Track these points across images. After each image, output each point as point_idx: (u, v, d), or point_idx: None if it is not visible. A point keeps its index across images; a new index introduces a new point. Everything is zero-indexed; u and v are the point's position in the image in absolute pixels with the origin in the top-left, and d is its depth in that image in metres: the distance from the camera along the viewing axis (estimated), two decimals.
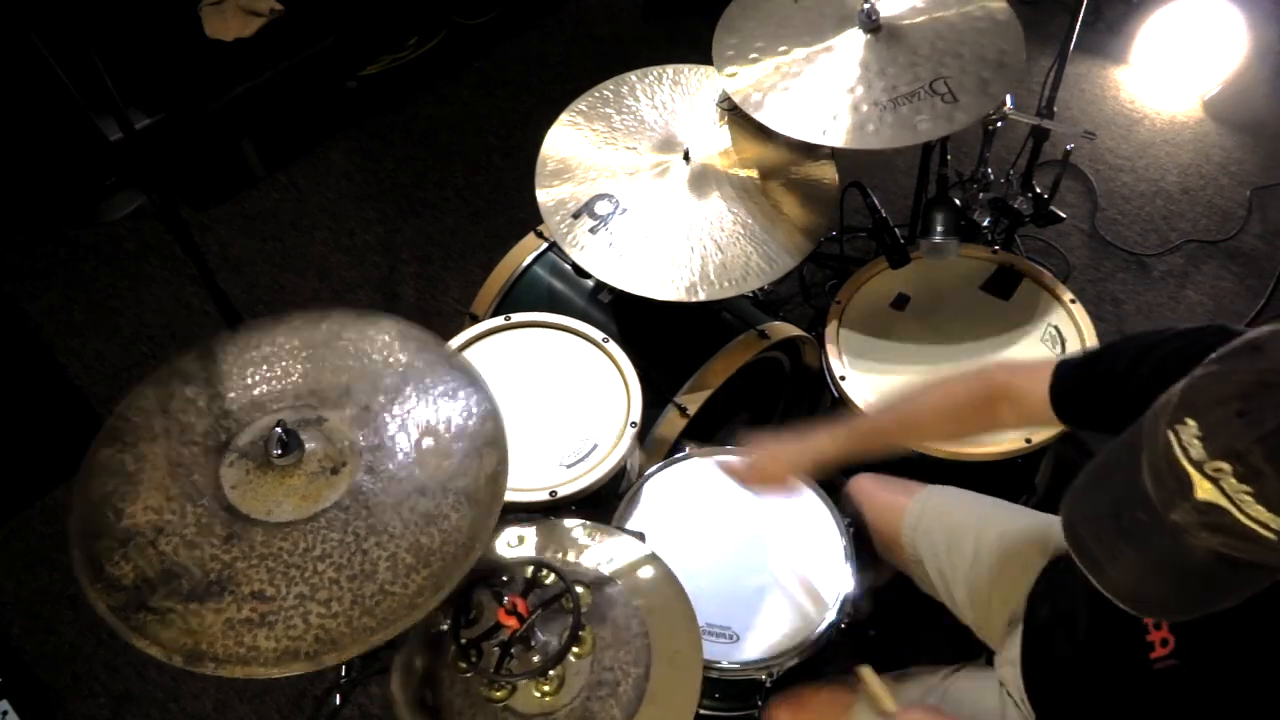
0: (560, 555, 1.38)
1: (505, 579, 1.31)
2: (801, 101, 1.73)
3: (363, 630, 1.05)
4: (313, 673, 2.01)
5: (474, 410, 1.24)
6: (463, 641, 1.24)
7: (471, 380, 1.28)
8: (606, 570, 1.36)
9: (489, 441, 1.22)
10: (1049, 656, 1.29)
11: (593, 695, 1.23)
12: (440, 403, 1.24)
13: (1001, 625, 1.43)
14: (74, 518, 1.11)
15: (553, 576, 1.30)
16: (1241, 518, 0.75)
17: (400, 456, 1.18)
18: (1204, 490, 0.76)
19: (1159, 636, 1.00)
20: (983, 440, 1.72)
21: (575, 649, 1.25)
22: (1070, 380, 1.16)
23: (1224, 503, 0.76)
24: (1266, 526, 0.75)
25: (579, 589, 1.29)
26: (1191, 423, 0.78)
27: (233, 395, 1.23)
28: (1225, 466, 0.75)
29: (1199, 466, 0.77)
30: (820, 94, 1.73)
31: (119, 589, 1.05)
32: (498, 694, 1.24)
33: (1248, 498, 0.75)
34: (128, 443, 1.17)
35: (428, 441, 1.20)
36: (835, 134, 1.68)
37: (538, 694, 1.23)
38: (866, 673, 1.32)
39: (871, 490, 1.63)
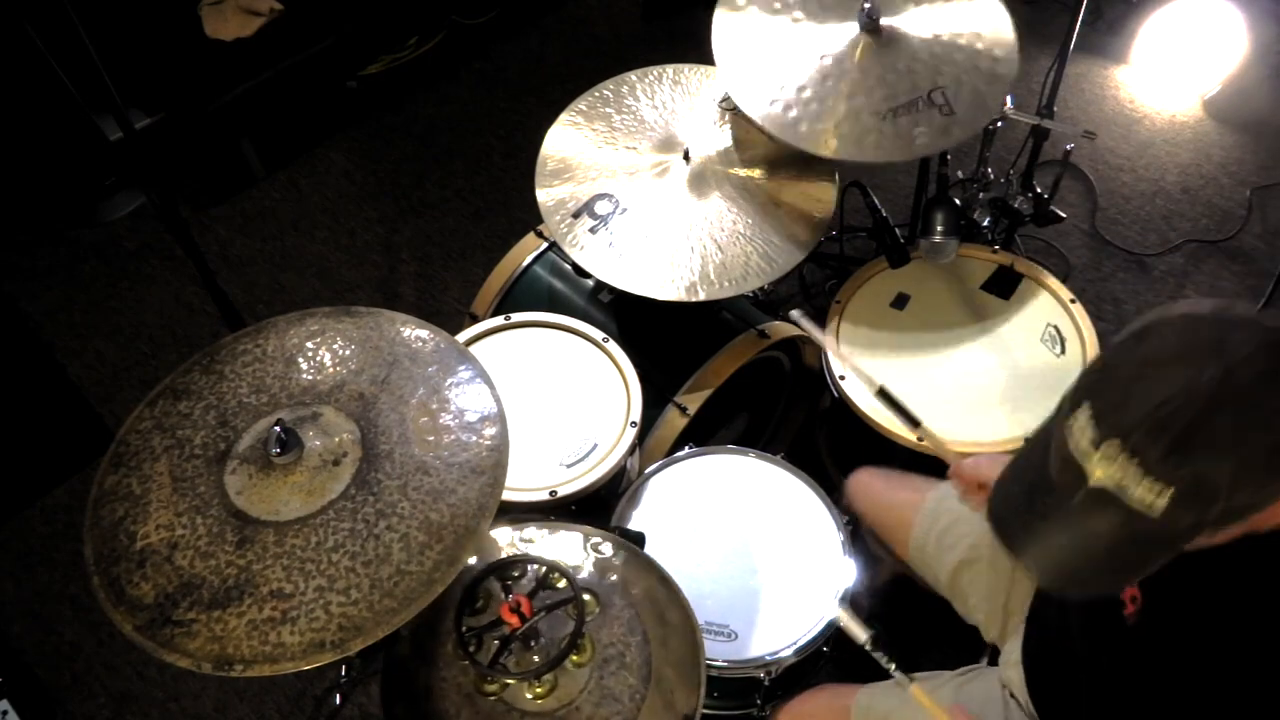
0: (569, 561, 1.38)
1: (517, 574, 1.31)
2: (800, 105, 1.73)
3: (385, 612, 1.07)
4: (312, 673, 2.03)
5: (465, 383, 1.26)
6: (464, 630, 1.24)
7: (459, 355, 1.30)
8: (599, 572, 1.36)
9: (484, 412, 1.23)
10: (1045, 643, 1.29)
11: (605, 673, 1.24)
12: (431, 380, 1.26)
13: (1008, 624, 1.43)
14: (89, 549, 1.13)
15: (564, 582, 1.29)
16: (1130, 496, 0.82)
17: (398, 438, 1.19)
18: (1097, 473, 0.83)
19: (1130, 594, 1.06)
20: (982, 436, 1.72)
21: (574, 656, 1.25)
22: None
23: (1114, 484, 0.82)
24: (1152, 505, 0.81)
25: (586, 597, 1.29)
26: (1085, 409, 0.85)
27: (226, 403, 1.24)
28: (1113, 449, 0.82)
29: (1092, 449, 0.84)
30: (819, 99, 1.72)
31: (142, 609, 1.07)
32: (489, 687, 1.24)
33: (1134, 477, 0.81)
34: (131, 466, 1.19)
35: (424, 420, 1.21)
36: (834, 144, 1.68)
37: (529, 695, 1.23)
38: (917, 691, 1.30)
39: (878, 488, 1.62)
